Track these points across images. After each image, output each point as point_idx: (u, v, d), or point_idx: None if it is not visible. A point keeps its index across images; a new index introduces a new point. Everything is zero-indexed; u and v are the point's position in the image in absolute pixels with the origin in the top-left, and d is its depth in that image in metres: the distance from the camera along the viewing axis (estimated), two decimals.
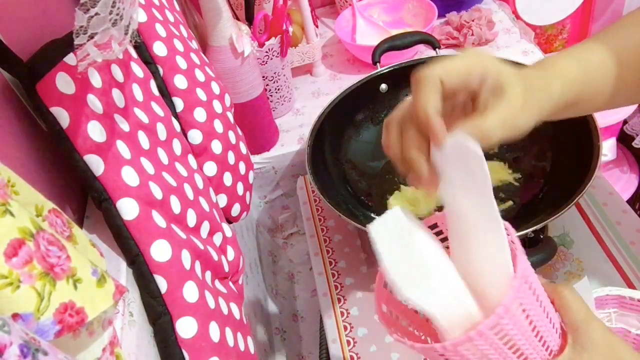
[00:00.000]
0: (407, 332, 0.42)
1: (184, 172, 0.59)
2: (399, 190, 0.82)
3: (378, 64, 0.87)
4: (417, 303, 0.33)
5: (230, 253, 0.65)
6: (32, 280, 0.29)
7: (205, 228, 0.59)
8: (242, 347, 0.57)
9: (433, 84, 0.36)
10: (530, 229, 0.59)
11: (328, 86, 1.11)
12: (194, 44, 0.75)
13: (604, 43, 0.43)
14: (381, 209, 0.80)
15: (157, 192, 0.49)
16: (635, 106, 1.12)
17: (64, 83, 0.42)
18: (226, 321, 0.54)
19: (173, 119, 0.62)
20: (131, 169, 0.47)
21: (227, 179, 0.73)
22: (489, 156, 0.82)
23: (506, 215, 0.75)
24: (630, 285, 0.67)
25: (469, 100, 0.38)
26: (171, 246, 0.48)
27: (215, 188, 0.70)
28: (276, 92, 1.02)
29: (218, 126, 0.71)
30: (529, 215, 0.70)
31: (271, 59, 0.96)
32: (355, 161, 0.86)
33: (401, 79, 0.89)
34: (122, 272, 0.46)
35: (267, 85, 1.00)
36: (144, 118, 0.54)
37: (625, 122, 1.21)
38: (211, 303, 0.52)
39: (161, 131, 0.57)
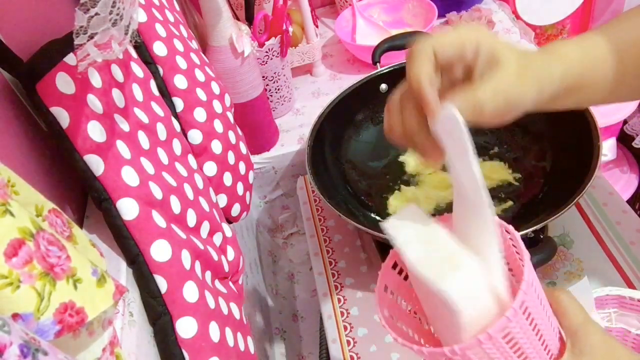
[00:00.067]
0: (407, 336, 0.42)
1: (184, 172, 0.59)
2: (399, 190, 0.82)
3: (378, 64, 0.87)
4: (449, 295, 0.33)
5: (230, 253, 0.65)
6: (32, 280, 0.29)
7: (205, 228, 0.59)
8: (242, 347, 0.57)
9: (425, 55, 0.36)
10: (530, 229, 0.59)
11: (328, 86, 1.11)
12: (194, 44, 0.75)
13: (605, 35, 0.43)
14: (381, 209, 0.80)
15: (157, 192, 0.49)
16: (635, 106, 1.12)
17: (64, 83, 0.42)
18: (226, 321, 0.54)
19: (173, 119, 0.62)
20: (131, 169, 0.47)
21: (227, 179, 0.73)
22: (489, 156, 0.83)
23: (506, 215, 0.75)
24: (630, 285, 0.67)
25: (468, 75, 0.38)
26: (171, 246, 0.48)
27: (215, 188, 0.70)
28: (276, 92, 1.02)
29: (218, 126, 0.71)
30: (529, 215, 0.70)
31: (271, 59, 0.96)
32: (355, 161, 0.86)
33: (401, 79, 0.88)
34: (122, 272, 0.46)
35: (267, 85, 1.00)
36: (144, 118, 0.54)
37: (625, 122, 1.21)
38: (211, 303, 0.52)
39: (161, 131, 0.57)
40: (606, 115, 1.10)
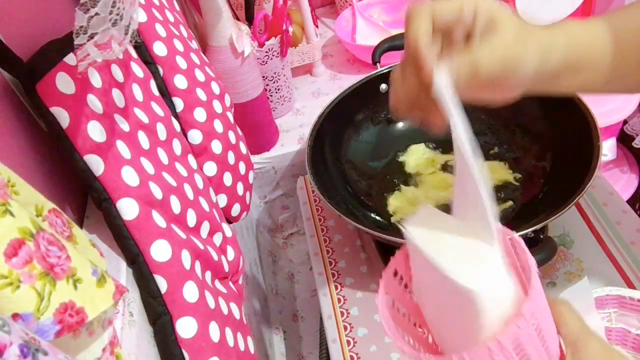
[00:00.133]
0: (410, 346, 0.41)
1: (184, 172, 0.59)
2: (399, 190, 0.82)
3: (378, 64, 0.87)
4: (475, 292, 0.32)
5: (230, 253, 0.65)
6: (32, 280, 0.29)
7: (205, 228, 0.59)
8: (242, 347, 0.57)
9: (424, 15, 0.36)
10: (530, 229, 0.59)
11: (328, 86, 1.11)
12: (194, 44, 0.75)
13: (607, 22, 0.43)
14: (381, 209, 0.80)
15: (157, 192, 0.49)
16: (635, 106, 1.12)
17: (64, 83, 0.42)
18: (226, 321, 0.54)
19: (173, 119, 0.62)
20: (131, 169, 0.47)
21: (227, 179, 0.73)
22: (489, 156, 0.82)
23: (506, 215, 0.75)
24: (630, 285, 0.67)
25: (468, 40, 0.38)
26: (171, 246, 0.48)
27: (215, 188, 0.70)
28: (276, 92, 1.02)
29: (218, 126, 0.71)
30: (529, 215, 0.70)
31: (271, 59, 0.96)
32: (355, 161, 0.86)
33: None
34: (122, 272, 0.46)
35: (267, 85, 1.00)
36: (144, 118, 0.54)
37: (625, 122, 1.21)
38: (211, 303, 0.52)
39: (161, 131, 0.57)
40: (606, 115, 1.10)
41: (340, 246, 0.82)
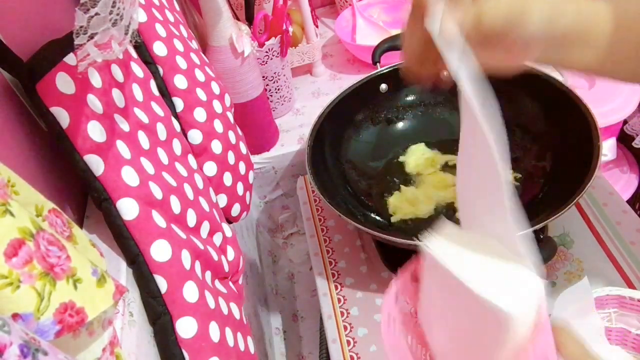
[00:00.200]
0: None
1: (184, 172, 0.59)
2: (399, 191, 0.82)
3: (378, 64, 0.87)
4: (507, 312, 0.31)
5: (230, 253, 0.65)
6: (32, 280, 0.29)
7: (205, 228, 0.59)
8: (242, 347, 0.57)
9: None
10: (530, 229, 0.59)
11: (328, 86, 1.11)
12: (194, 44, 0.75)
13: (610, 2, 0.43)
14: (381, 209, 0.80)
15: (157, 192, 0.49)
16: (635, 106, 1.12)
17: (64, 83, 0.42)
18: (226, 321, 0.54)
19: (173, 119, 0.62)
20: (131, 169, 0.47)
21: (227, 179, 0.73)
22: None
23: None
24: (630, 285, 0.67)
25: None
26: (171, 246, 0.48)
27: (215, 188, 0.70)
28: (276, 92, 1.02)
29: (218, 126, 0.71)
30: (529, 215, 0.69)
31: (271, 59, 0.96)
32: (355, 161, 0.86)
33: (401, 79, 0.88)
34: (122, 272, 0.46)
35: (267, 85, 1.00)
36: (144, 118, 0.54)
37: (625, 122, 1.21)
38: (211, 303, 0.52)
39: (161, 131, 0.57)
40: (606, 115, 1.10)
41: (340, 246, 0.82)
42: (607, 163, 1.25)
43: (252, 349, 0.60)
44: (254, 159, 0.97)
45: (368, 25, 1.16)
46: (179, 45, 0.68)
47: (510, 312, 0.31)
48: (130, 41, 0.45)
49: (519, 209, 0.34)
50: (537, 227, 0.59)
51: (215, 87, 0.74)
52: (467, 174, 0.37)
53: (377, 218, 0.79)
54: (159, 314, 0.46)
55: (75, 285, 0.32)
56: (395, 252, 0.74)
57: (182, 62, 0.67)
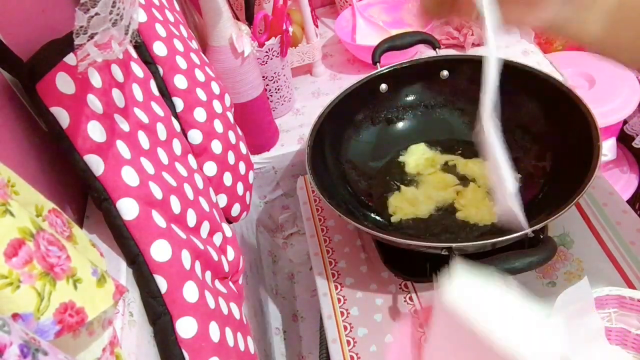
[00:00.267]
0: None
1: (184, 172, 0.59)
2: (399, 190, 0.82)
3: (378, 64, 0.87)
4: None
5: (230, 253, 0.66)
6: (32, 280, 0.29)
7: (205, 228, 0.59)
8: (242, 347, 0.57)
9: None
10: (530, 229, 0.59)
11: (328, 86, 1.11)
12: (194, 44, 0.75)
13: None
14: (381, 209, 0.80)
15: (157, 192, 0.49)
16: (635, 106, 1.12)
17: (64, 83, 0.42)
18: (226, 321, 0.54)
19: (173, 119, 0.62)
20: (131, 169, 0.47)
21: (227, 179, 0.73)
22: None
23: None
24: (630, 285, 0.67)
25: None
26: (171, 246, 0.48)
27: (215, 188, 0.70)
28: (276, 92, 1.02)
29: (218, 126, 0.71)
30: (529, 215, 0.69)
31: (271, 59, 0.96)
32: (355, 161, 0.86)
33: (401, 79, 0.89)
34: (122, 272, 0.46)
35: (267, 85, 1.00)
36: (144, 118, 0.54)
37: (625, 122, 1.21)
38: (211, 303, 0.52)
39: (161, 131, 0.57)
40: (606, 115, 1.10)
41: (340, 246, 0.82)
42: (607, 163, 1.25)
43: (252, 349, 0.60)
44: (254, 159, 0.97)
45: (368, 25, 1.16)
46: (179, 45, 0.68)
47: None
48: (130, 41, 0.45)
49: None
50: (537, 227, 0.59)
51: (215, 87, 0.74)
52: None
53: (377, 218, 0.79)
54: (159, 314, 0.46)
55: (75, 285, 0.32)
56: (395, 252, 0.74)
57: (182, 62, 0.67)
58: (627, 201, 0.90)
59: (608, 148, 1.19)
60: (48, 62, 0.42)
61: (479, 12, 0.37)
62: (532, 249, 0.56)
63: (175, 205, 0.53)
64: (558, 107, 0.75)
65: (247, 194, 0.80)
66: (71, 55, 0.43)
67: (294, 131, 1.03)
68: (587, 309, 0.58)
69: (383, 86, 0.88)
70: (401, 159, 0.87)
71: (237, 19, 0.92)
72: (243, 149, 0.80)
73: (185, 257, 0.50)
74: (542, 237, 0.58)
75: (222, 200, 0.72)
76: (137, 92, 0.55)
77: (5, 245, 0.28)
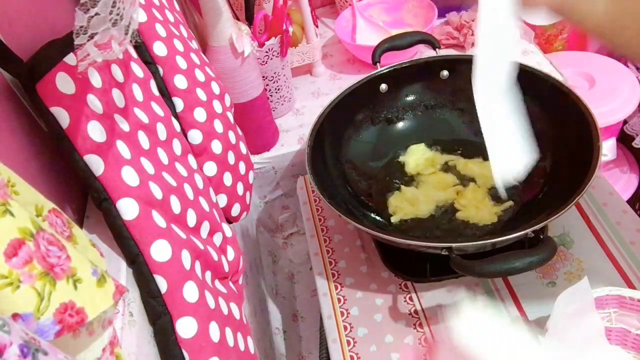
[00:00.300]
0: None
1: (184, 172, 0.59)
2: (399, 190, 0.82)
3: (378, 64, 0.87)
4: None
5: (230, 253, 0.66)
6: (32, 280, 0.29)
7: (205, 228, 0.59)
8: (242, 347, 0.57)
9: None
10: (530, 229, 0.59)
11: (328, 86, 1.11)
12: (194, 44, 0.75)
13: None
14: (381, 209, 0.80)
15: (157, 192, 0.49)
16: (635, 106, 1.12)
17: (64, 83, 0.42)
18: (226, 321, 0.54)
19: (173, 119, 0.62)
20: (131, 169, 0.47)
21: (227, 179, 0.73)
22: (489, 156, 0.82)
23: (506, 215, 0.75)
24: (630, 285, 0.67)
25: None
26: (171, 246, 0.48)
27: (215, 188, 0.70)
28: (276, 92, 1.02)
29: (218, 126, 0.71)
30: (529, 215, 0.70)
31: (271, 59, 0.96)
32: (355, 161, 0.86)
33: (401, 79, 0.89)
34: (122, 272, 0.46)
35: (267, 85, 1.00)
36: (144, 118, 0.54)
37: (625, 122, 1.21)
38: (211, 303, 0.52)
39: (161, 131, 0.57)
40: (606, 115, 1.10)
41: (340, 246, 0.82)
42: (607, 163, 1.25)
43: (252, 349, 0.60)
44: (254, 159, 0.97)
45: (368, 25, 1.16)
46: (179, 45, 0.68)
47: None
48: (130, 41, 0.45)
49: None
50: (537, 227, 0.59)
51: (215, 87, 0.74)
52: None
53: (377, 218, 0.79)
54: (159, 314, 0.46)
55: (75, 285, 0.32)
56: (395, 252, 0.74)
57: (182, 62, 0.67)
58: (627, 201, 0.90)
59: (608, 148, 1.19)
60: (48, 62, 0.42)
61: None
62: (532, 249, 0.56)
63: (175, 205, 0.53)
64: (558, 107, 0.75)
65: (247, 194, 0.80)
66: (71, 55, 0.43)
67: (294, 131, 1.03)
68: (587, 309, 0.58)
69: (383, 86, 0.88)
70: (401, 159, 0.87)
71: (237, 19, 0.92)
72: (243, 149, 0.80)
73: (185, 257, 0.50)
74: (542, 237, 0.58)
75: (222, 200, 0.72)
76: (137, 92, 0.55)
77: (5, 245, 0.28)
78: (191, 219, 0.55)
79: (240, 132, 0.81)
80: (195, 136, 0.67)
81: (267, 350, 0.91)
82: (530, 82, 0.77)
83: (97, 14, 0.38)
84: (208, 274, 0.56)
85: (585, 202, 0.78)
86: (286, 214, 1.11)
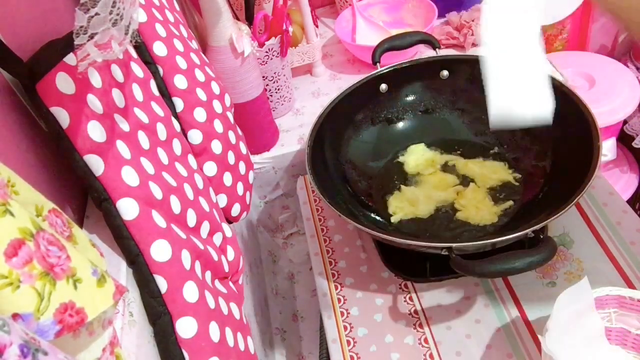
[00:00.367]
0: None
1: (184, 172, 0.59)
2: (399, 190, 0.82)
3: (378, 64, 0.87)
4: None
5: (230, 253, 0.66)
6: (32, 280, 0.29)
7: (205, 228, 0.59)
8: (242, 347, 0.57)
9: None
10: (530, 229, 0.59)
11: (328, 86, 1.11)
12: (194, 44, 0.75)
13: None
14: (381, 209, 0.80)
15: (157, 192, 0.49)
16: (635, 106, 1.12)
17: (64, 83, 0.42)
18: (226, 321, 0.54)
19: (173, 119, 0.62)
20: (131, 169, 0.47)
21: (227, 179, 0.73)
22: (489, 156, 0.83)
23: (506, 216, 0.75)
24: (630, 285, 0.67)
25: None
26: (171, 246, 0.48)
27: (215, 188, 0.70)
28: (276, 92, 1.02)
29: (218, 126, 0.71)
30: (529, 215, 0.70)
31: (271, 59, 0.96)
32: (355, 161, 0.86)
33: (401, 79, 0.89)
34: (122, 272, 0.46)
35: (267, 85, 1.00)
36: (144, 118, 0.54)
37: (625, 122, 1.21)
38: (211, 303, 0.52)
39: (161, 131, 0.57)
40: (606, 115, 1.10)
41: (340, 246, 0.82)
42: (607, 163, 1.25)
43: (252, 349, 0.60)
44: (254, 159, 0.97)
45: (368, 25, 1.16)
46: (179, 45, 0.68)
47: None
48: (130, 41, 0.45)
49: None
50: (537, 227, 0.59)
51: (215, 87, 0.74)
52: None
53: (377, 218, 0.79)
54: (159, 314, 0.46)
55: (75, 285, 0.32)
56: (395, 252, 0.74)
57: (182, 62, 0.67)
58: (627, 201, 0.90)
59: (608, 148, 1.19)
60: (48, 62, 0.42)
61: None
62: (532, 249, 0.56)
63: (175, 205, 0.53)
64: (558, 107, 0.75)
65: (247, 194, 0.80)
66: (71, 55, 0.43)
67: (294, 131, 1.03)
68: (587, 309, 0.58)
69: (383, 86, 0.88)
70: (401, 159, 0.87)
71: (237, 19, 0.92)
72: (243, 149, 0.80)
73: (185, 257, 0.50)
74: (542, 237, 0.58)
75: (222, 200, 0.72)
76: (137, 92, 0.55)
77: (5, 245, 0.28)
78: (191, 219, 0.55)
79: (240, 132, 0.81)
80: (195, 136, 0.67)
81: (267, 350, 0.92)
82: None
83: (97, 14, 0.38)
84: (208, 274, 0.56)
85: (585, 202, 0.78)
86: (286, 214, 1.11)
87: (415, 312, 0.71)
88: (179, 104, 0.65)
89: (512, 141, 0.83)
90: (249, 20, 0.91)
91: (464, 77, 0.87)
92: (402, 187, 0.82)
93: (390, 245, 0.68)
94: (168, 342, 0.46)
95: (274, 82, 1.00)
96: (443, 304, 0.71)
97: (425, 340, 0.67)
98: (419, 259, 0.73)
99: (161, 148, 0.56)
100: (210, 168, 0.69)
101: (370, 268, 0.77)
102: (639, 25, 0.47)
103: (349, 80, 1.08)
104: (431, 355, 0.66)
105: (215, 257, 0.58)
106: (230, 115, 0.78)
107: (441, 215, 0.78)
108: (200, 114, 0.67)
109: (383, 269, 0.76)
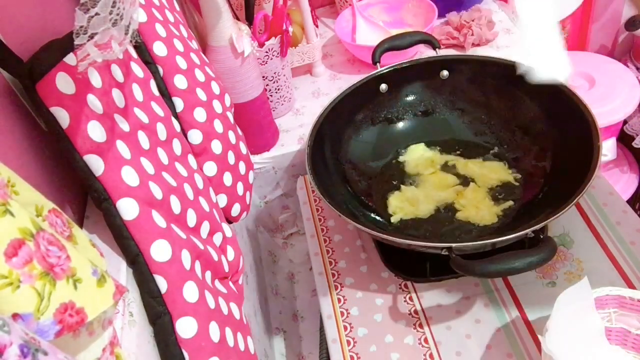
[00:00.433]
0: None
1: (184, 172, 0.59)
2: (399, 190, 0.82)
3: (378, 64, 0.87)
4: None
5: (230, 253, 0.66)
6: (32, 280, 0.29)
7: (205, 228, 0.59)
8: (242, 347, 0.57)
9: None
10: (530, 229, 0.59)
11: (328, 86, 1.11)
12: (194, 44, 0.75)
13: None
14: (381, 209, 0.80)
15: (157, 192, 0.49)
16: (635, 106, 1.12)
17: (64, 83, 0.42)
18: (226, 321, 0.54)
19: (173, 119, 0.62)
20: (131, 169, 0.47)
21: (227, 179, 0.73)
22: (489, 156, 0.82)
23: (506, 216, 0.75)
24: (630, 285, 0.67)
25: None
26: (171, 246, 0.48)
27: (215, 188, 0.70)
28: (276, 92, 1.02)
29: (218, 126, 0.71)
30: (529, 215, 0.70)
31: (271, 59, 0.96)
32: (355, 161, 0.86)
33: (401, 79, 0.89)
34: (122, 272, 0.46)
35: (267, 85, 1.00)
36: (144, 118, 0.54)
37: (625, 122, 1.22)
38: (211, 303, 0.52)
39: (161, 131, 0.57)
40: (606, 115, 1.10)
41: (340, 246, 0.82)
42: (607, 163, 1.25)
43: (252, 349, 0.60)
44: (254, 159, 0.97)
45: (368, 25, 1.16)
46: (179, 45, 0.68)
47: None
48: (130, 41, 0.45)
49: None
50: (537, 227, 0.59)
51: (215, 87, 0.74)
52: None
53: (377, 218, 0.79)
54: (159, 314, 0.46)
55: (75, 285, 0.32)
56: (395, 252, 0.74)
57: (182, 62, 0.67)
58: (627, 201, 0.90)
59: (608, 148, 1.19)
60: (48, 62, 0.42)
61: None
62: (532, 249, 0.56)
63: (175, 205, 0.53)
64: (558, 107, 0.75)
65: (247, 194, 0.80)
66: (71, 55, 0.43)
67: (294, 131, 1.03)
68: (587, 309, 0.58)
69: (383, 86, 0.88)
70: (401, 159, 0.87)
71: (237, 19, 0.92)
72: (243, 149, 0.80)
73: (185, 257, 0.50)
74: (542, 237, 0.58)
75: (222, 200, 0.72)
76: (137, 92, 0.55)
77: (5, 245, 0.28)
78: (191, 219, 0.55)
79: (240, 132, 0.81)
80: (195, 136, 0.67)
81: (267, 350, 0.92)
82: (530, 82, 0.78)
83: (97, 14, 0.38)
84: (208, 274, 0.56)
85: (585, 202, 0.78)
86: (286, 214, 1.11)
87: (415, 312, 0.71)
88: (179, 104, 0.65)
89: (512, 141, 0.83)
90: (249, 20, 0.91)
91: (464, 77, 0.87)
92: (402, 187, 0.82)
93: (390, 245, 0.68)
94: (168, 342, 0.46)
95: (274, 82, 1.00)
96: (443, 304, 0.71)
97: (425, 340, 0.67)
98: (419, 259, 0.73)
99: (161, 148, 0.56)
100: (210, 168, 0.69)
101: (370, 268, 0.77)
102: None
103: (349, 80, 1.08)
104: (431, 355, 0.66)
105: (215, 257, 0.58)
106: (230, 115, 0.78)
107: (441, 215, 0.78)
108: (200, 114, 0.67)
109: (383, 269, 0.76)
